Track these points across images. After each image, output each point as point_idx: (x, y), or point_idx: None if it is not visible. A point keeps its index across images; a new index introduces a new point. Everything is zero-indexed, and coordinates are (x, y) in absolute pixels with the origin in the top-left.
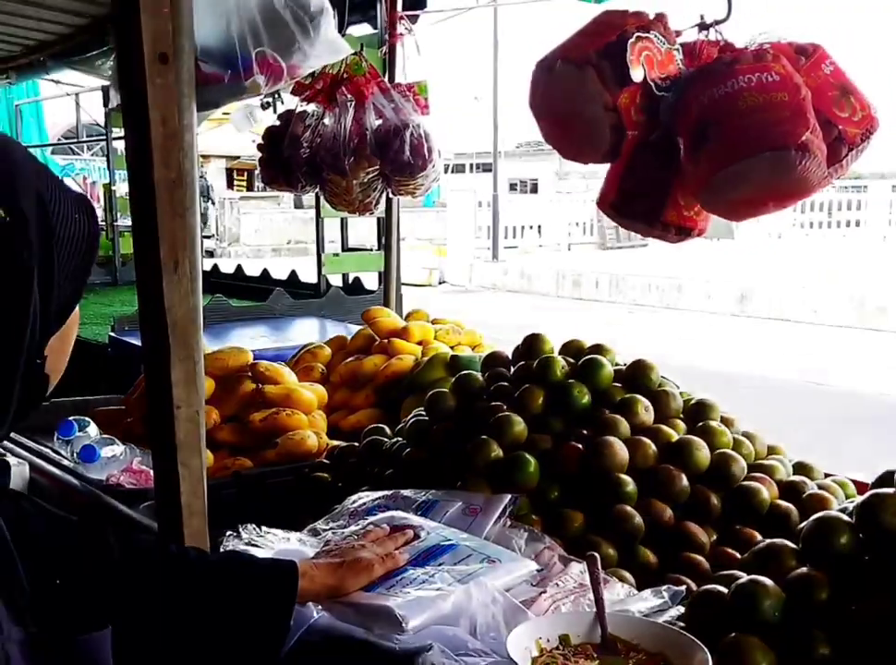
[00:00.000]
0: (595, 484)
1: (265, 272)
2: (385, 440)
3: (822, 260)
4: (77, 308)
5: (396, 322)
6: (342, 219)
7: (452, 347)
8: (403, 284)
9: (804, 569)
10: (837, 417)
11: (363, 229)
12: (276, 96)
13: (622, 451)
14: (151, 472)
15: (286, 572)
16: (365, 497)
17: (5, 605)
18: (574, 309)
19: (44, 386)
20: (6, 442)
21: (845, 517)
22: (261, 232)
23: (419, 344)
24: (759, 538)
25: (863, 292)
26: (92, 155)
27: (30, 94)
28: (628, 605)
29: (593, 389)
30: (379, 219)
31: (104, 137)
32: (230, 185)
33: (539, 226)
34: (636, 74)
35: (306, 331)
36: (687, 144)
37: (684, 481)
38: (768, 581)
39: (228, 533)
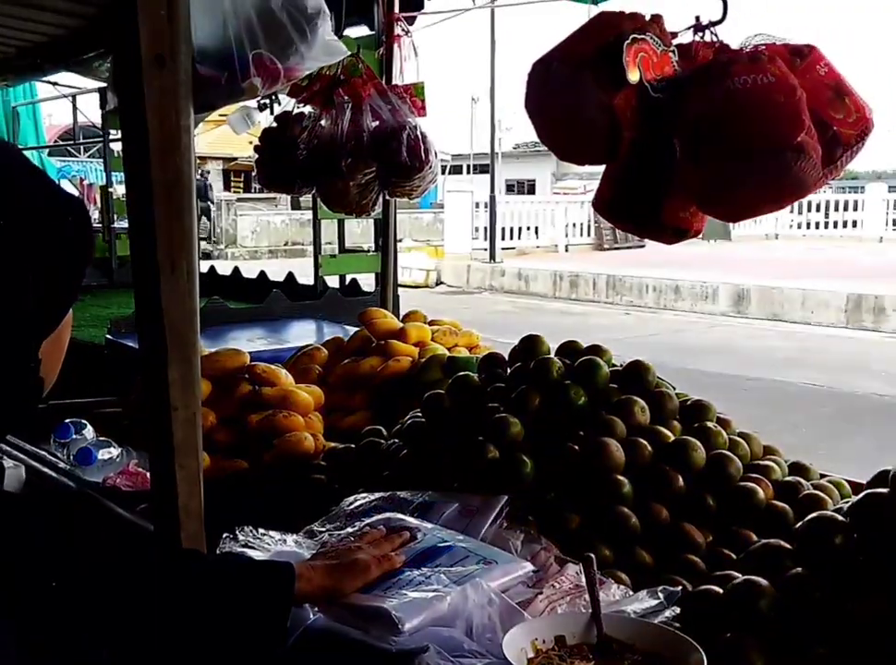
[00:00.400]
0: (591, 485)
1: (262, 274)
2: (382, 441)
3: (819, 261)
4: (70, 311)
5: (393, 324)
6: (339, 220)
7: (449, 348)
8: (400, 285)
9: (799, 569)
10: (833, 418)
11: (360, 230)
12: (273, 98)
13: (618, 451)
14: (148, 474)
15: (283, 573)
16: (362, 498)
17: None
18: (573, 312)
19: (39, 390)
20: (1, 445)
21: (840, 517)
22: (258, 233)
23: (416, 345)
24: (755, 538)
25: (859, 292)
26: (89, 157)
27: (27, 96)
28: (624, 606)
29: (590, 390)
30: (376, 220)
31: (101, 138)
32: (227, 186)
33: (537, 228)
34: (632, 75)
35: (303, 332)
36: (683, 145)
37: (681, 482)
38: (763, 581)
39: (225, 535)
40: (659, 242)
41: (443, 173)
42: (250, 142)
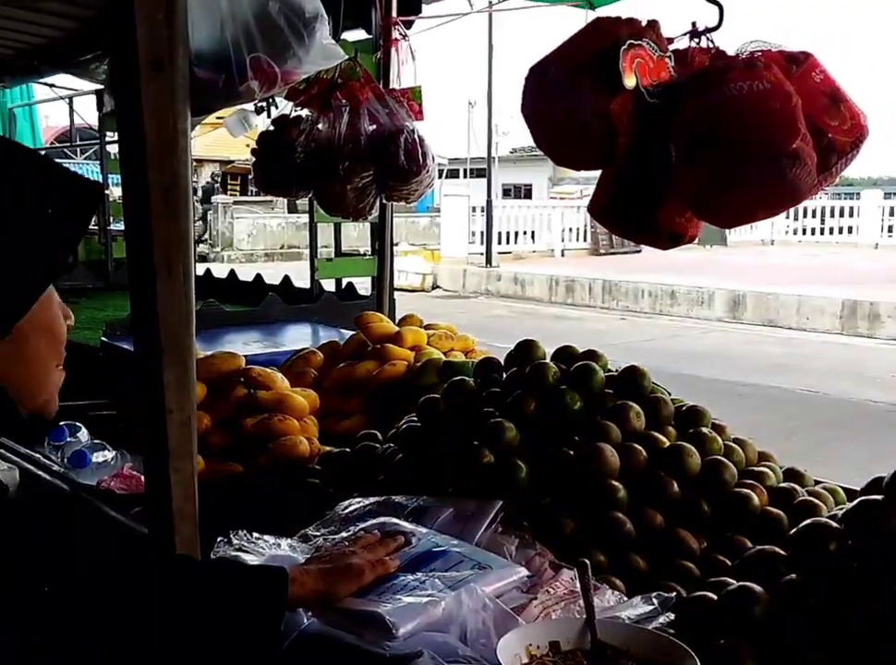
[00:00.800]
0: (586, 490)
1: (258, 277)
2: (377, 445)
3: (815, 267)
4: (33, 319)
5: (389, 328)
6: (335, 224)
7: (445, 353)
8: (396, 289)
9: (794, 575)
10: (828, 425)
11: (356, 234)
12: (270, 101)
13: (613, 457)
14: (143, 477)
15: (277, 578)
16: (356, 503)
17: None
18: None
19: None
20: None
21: (835, 524)
22: (255, 236)
23: (412, 349)
24: (750, 544)
25: (854, 299)
26: (86, 159)
27: (23, 98)
28: (618, 611)
29: (585, 395)
30: (372, 224)
31: (98, 141)
32: (224, 189)
33: (533, 232)
34: (629, 81)
35: (298, 336)
36: (679, 151)
37: (675, 488)
38: (758, 587)
39: (219, 538)
40: (655, 247)
41: (440, 177)
42: (247, 145)
